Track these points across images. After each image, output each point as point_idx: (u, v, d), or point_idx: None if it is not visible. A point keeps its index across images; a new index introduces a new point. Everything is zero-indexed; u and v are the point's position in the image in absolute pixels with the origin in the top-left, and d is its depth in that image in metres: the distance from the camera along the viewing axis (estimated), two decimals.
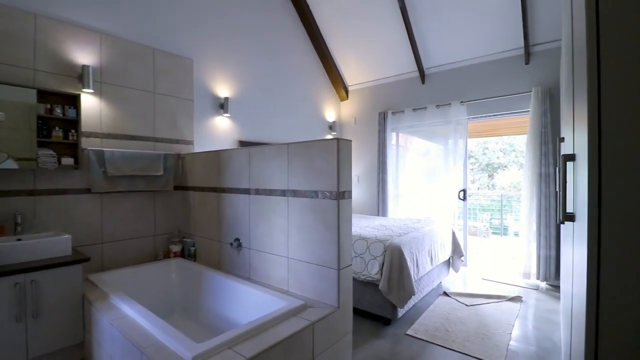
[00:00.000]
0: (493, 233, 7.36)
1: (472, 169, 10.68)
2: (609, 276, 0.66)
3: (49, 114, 2.35)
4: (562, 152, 1.57)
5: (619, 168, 0.65)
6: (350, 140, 1.96)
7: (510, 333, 2.66)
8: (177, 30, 3.24)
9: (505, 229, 7.31)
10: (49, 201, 2.39)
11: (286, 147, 2.13)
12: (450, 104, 4.52)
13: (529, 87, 3.94)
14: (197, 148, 3.34)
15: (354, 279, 2.81)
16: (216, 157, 2.68)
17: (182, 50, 3.26)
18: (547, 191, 3.78)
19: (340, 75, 5.52)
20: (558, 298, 3.43)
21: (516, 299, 3.38)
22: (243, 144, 3.93)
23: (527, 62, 4.03)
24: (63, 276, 2.04)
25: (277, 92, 4.48)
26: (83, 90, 2.52)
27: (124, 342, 1.61)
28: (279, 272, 2.22)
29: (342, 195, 1.88)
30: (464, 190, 4.55)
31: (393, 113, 5.08)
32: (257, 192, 2.34)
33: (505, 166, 10.73)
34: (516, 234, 6.39)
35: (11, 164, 2.15)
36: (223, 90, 3.73)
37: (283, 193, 2.16)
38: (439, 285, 3.79)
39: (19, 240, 2.11)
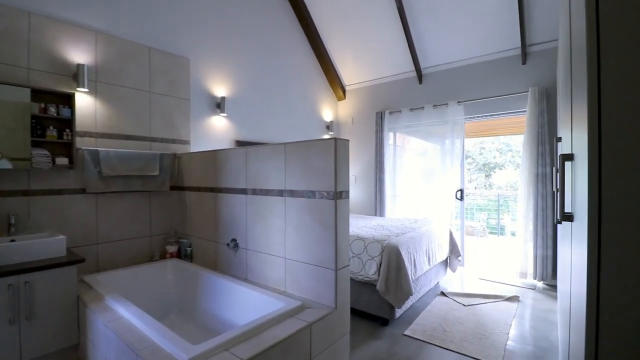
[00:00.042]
0: (490, 233, 7.38)
1: (469, 169, 10.70)
2: (609, 276, 0.65)
3: (43, 113, 2.33)
4: (560, 152, 1.57)
5: (620, 168, 0.64)
6: (348, 140, 1.95)
7: (508, 333, 2.66)
8: (173, 29, 3.22)
9: (502, 228, 7.33)
10: (43, 201, 2.36)
11: (283, 146, 2.11)
12: (447, 104, 4.52)
13: (526, 87, 3.95)
14: (194, 148, 3.32)
15: (351, 279, 2.80)
16: (213, 157, 2.66)
17: (179, 49, 3.24)
18: (544, 191, 3.79)
19: (337, 75, 5.51)
20: (555, 297, 3.43)
21: (513, 298, 3.39)
22: (240, 143, 3.91)
23: (524, 62, 4.03)
24: (57, 277, 2.02)
25: (274, 91, 4.46)
26: (78, 89, 2.50)
27: (119, 344, 1.59)
28: (276, 272, 2.20)
29: (339, 195, 1.87)
30: (461, 190, 4.56)
31: (390, 113, 5.08)
32: (254, 192, 2.32)
33: (501, 166, 10.77)
34: (513, 234, 6.42)
35: (5, 164, 2.13)
36: (220, 89, 3.71)
37: (280, 193, 2.15)
38: (437, 285, 3.78)
39: (13, 241, 2.08)
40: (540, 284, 3.85)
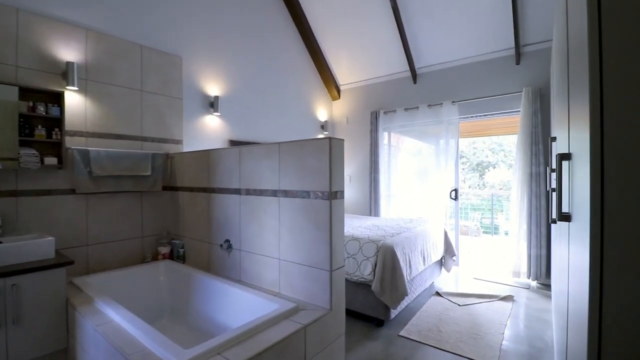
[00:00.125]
0: (484, 232, 7.42)
1: (463, 169, 10.76)
2: (612, 276, 0.64)
3: (32, 112, 2.27)
4: (557, 151, 1.56)
5: (622, 167, 0.63)
6: (343, 140, 1.92)
7: (503, 333, 2.66)
8: (166, 27, 3.18)
9: (496, 228, 7.37)
10: (31, 202, 2.31)
11: (277, 146, 2.09)
12: (441, 103, 4.53)
13: (520, 88, 3.97)
14: (187, 147, 3.27)
15: (346, 280, 2.78)
16: (206, 157, 2.62)
17: (171, 47, 3.19)
18: (538, 191, 3.80)
19: (332, 75, 5.49)
20: (549, 297, 3.45)
21: (508, 298, 3.39)
22: (234, 143, 3.87)
23: (517, 63, 4.05)
24: (46, 280, 1.97)
25: (268, 91, 4.43)
26: (67, 87, 2.44)
27: (108, 348, 1.55)
28: (270, 274, 2.17)
29: (334, 195, 1.85)
30: (456, 190, 4.56)
31: (385, 113, 5.07)
32: (248, 192, 2.29)
33: (494, 165, 10.84)
34: (506, 233, 6.45)
35: None
36: (213, 88, 3.67)
37: (274, 193, 2.12)
38: (432, 285, 3.78)
39: (0, 242, 2.03)
40: (534, 283, 3.87)
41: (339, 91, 5.67)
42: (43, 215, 2.35)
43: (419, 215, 4.75)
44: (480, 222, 7.52)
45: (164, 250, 2.87)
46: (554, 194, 1.92)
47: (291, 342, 1.59)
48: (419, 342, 2.52)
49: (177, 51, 3.24)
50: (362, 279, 2.73)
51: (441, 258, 3.88)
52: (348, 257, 2.84)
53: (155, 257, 2.89)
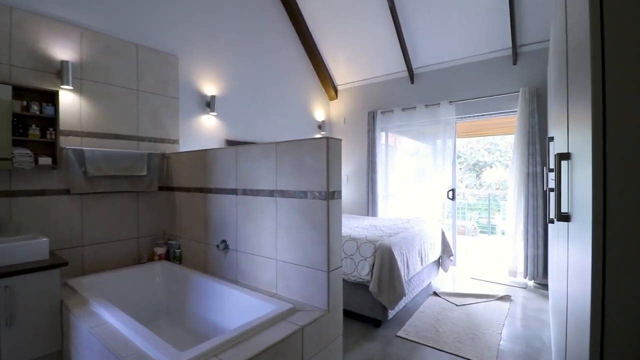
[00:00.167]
0: (481, 232, 7.43)
1: (460, 168, 10.79)
2: (614, 276, 0.63)
3: (26, 112, 2.24)
4: (555, 151, 1.56)
5: (622, 167, 0.62)
6: (340, 139, 1.91)
7: (501, 333, 2.66)
8: (162, 26, 3.15)
9: (493, 228, 7.38)
10: (25, 203, 2.28)
11: (274, 146, 2.07)
12: (439, 103, 4.53)
13: (517, 88, 3.97)
14: (183, 147, 3.25)
15: (343, 280, 2.76)
16: (202, 157, 2.60)
17: (167, 46, 3.17)
18: (535, 190, 3.81)
19: (329, 75, 5.48)
20: (546, 296, 3.45)
21: (505, 298, 3.40)
22: (230, 143, 3.85)
23: (514, 63, 4.06)
24: (40, 281, 1.94)
25: (265, 91, 4.41)
26: (62, 86, 2.42)
27: (102, 350, 1.53)
28: (267, 274, 2.16)
29: (331, 195, 1.84)
30: (453, 190, 4.56)
31: (382, 113, 5.07)
32: (245, 192, 2.28)
33: (490, 165, 10.88)
34: (503, 233, 6.47)
35: None
36: (210, 88, 3.65)
37: (271, 193, 2.11)
38: (429, 285, 3.78)
39: None
40: (531, 283, 3.88)
41: (336, 91, 5.66)
42: (37, 216, 2.33)
43: (417, 215, 4.75)
44: (477, 222, 7.53)
45: (160, 250, 2.84)
46: (552, 194, 1.92)
47: (288, 344, 1.58)
48: (417, 342, 2.52)
49: (173, 50, 3.22)
50: (360, 280, 2.72)
51: (439, 258, 3.87)
52: (345, 258, 2.83)
53: (151, 258, 2.87)
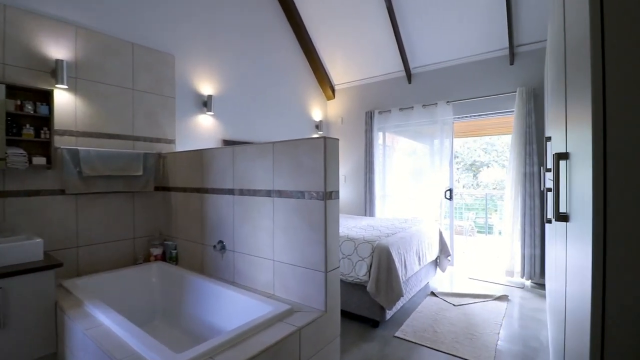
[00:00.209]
0: (478, 232, 7.44)
1: (457, 168, 10.81)
2: (614, 277, 0.63)
3: (19, 111, 2.22)
4: (553, 151, 1.56)
5: (622, 167, 0.62)
6: (338, 139, 1.90)
7: (498, 333, 2.66)
8: (158, 25, 3.13)
9: (490, 227, 7.40)
10: (19, 203, 2.25)
11: (271, 145, 2.06)
12: (436, 103, 4.53)
13: (514, 88, 3.98)
14: (179, 147, 3.23)
15: (341, 280, 2.75)
16: (199, 157, 2.59)
17: (164, 45, 3.15)
18: (532, 190, 3.81)
19: (326, 74, 5.47)
20: (543, 296, 3.46)
21: (503, 297, 3.40)
22: (227, 143, 3.83)
23: (511, 63, 4.06)
24: (34, 283, 1.92)
25: (262, 90, 4.39)
26: (56, 85, 2.39)
27: (97, 352, 1.51)
28: (264, 275, 2.14)
29: (329, 195, 1.83)
30: (450, 190, 4.57)
31: (380, 112, 5.06)
32: (242, 192, 2.26)
33: (487, 165, 10.91)
34: (500, 233, 6.48)
35: None
36: (206, 87, 3.63)
37: (268, 193, 2.09)
38: (427, 285, 3.77)
39: None
40: (528, 283, 3.88)
41: (333, 91, 5.65)
42: (31, 217, 2.30)
43: (414, 215, 4.74)
44: (475, 222, 7.54)
45: (156, 251, 2.82)
46: (550, 193, 1.92)
47: (285, 345, 1.57)
48: (415, 342, 2.51)
49: (170, 49, 3.20)
50: (358, 280, 2.71)
51: (436, 258, 3.87)
52: (343, 258, 2.82)
53: (147, 259, 2.84)
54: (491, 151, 10.83)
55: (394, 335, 2.61)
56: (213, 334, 2.06)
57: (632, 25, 0.62)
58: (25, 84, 2.26)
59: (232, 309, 2.07)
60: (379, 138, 5.15)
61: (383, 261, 2.65)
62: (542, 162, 3.69)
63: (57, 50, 2.43)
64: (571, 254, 1.05)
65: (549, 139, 2.02)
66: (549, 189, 1.94)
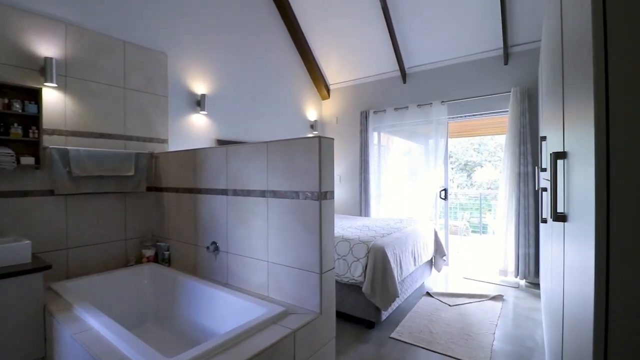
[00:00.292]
0: (472, 232, 7.47)
1: (452, 168, 10.85)
2: (617, 277, 0.62)
3: (7, 110, 2.17)
4: (549, 151, 1.55)
5: (622, 167, 0.60)
6: (333, 139, 1.88)
7: (494, 333, 2.65)
8: (150, 23, 3.08)
9: (484, 227, 7.43)
10: (6, 204, 2.19)
11: (265, 145, 2.03)
12: (431, 103, 4.53)
13: (508, 88, 3.99)
14: (172, 147, 3.19)
15: (336, 281, 2.73)
16: (192, 157, 2.55)
17: (156, 44, 3.10)
18: (526, 190, 3.82)
19: (321, 74, 5.45)
20: (538, 296, 3.46)
21: (498, 297, 3.40)
22: (221, 143, 3.79)
23: (506, 63, 4.07)
24: (21, 285, 1.87)
25: (256, 89, 4.36)
26: (45, 84, 2.34)
27: (86, 357, 1.47)
28: (258, 276, 2.11)
29: (324, 195, 1.80)
30: (445, 190, 4.57)
31: (375, 112, 5.05)
32: (235, 192, 2.23)
33: (480, 164, 10.97)
34: (494, 233, 6.51)
35: None
36: (200, 86, 3.59)
37: (262, 194, 2.06)
38: (422, 285, 3.77)
39: None
40: (522, 282, 3.89)
41: (328, 91, 5.63)
42: (19, 218, 2.24)
43: (409, 215, 4.74)
44: (469, 222, 7.57)
45: (149, 253, 2.78)
46: (545, 193, 1.92)
47: (280, 348, 1.54)
48: (410, 343, 2.50)
49: (162, 47, 3.15)
50: (353, 281, 2.69)
51: (431, 258, 3.87)
52: (338, 259, 2.80)
53: (139, 261, 2.80)
54: (483, 151, 10.89)
55: (390, 337, 2.60)
56: (206, 336, 2.03)
57: (632, 25, 0.61)
58: (13, 82, 2.21)
59: (225, 311, 2.04)
60: (374, 138, 5.14)
61: (378, 262, 2.63)
62: (536, 161, 3.70)
63: (46, 47, 2.38)
64: (569, 254, 1.03)
65: (544, 138, 2.02)
66: (544, 189, 1.93)
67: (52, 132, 2.39)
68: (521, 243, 3.84)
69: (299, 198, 1.87)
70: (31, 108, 2.25)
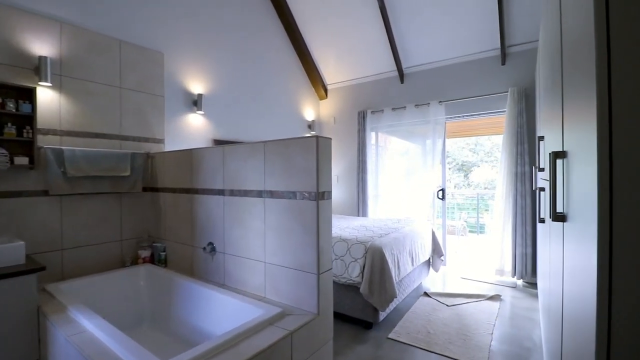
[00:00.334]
0: (470, 231, 7.48)
1: (449, 168, 10.87)
2: (620, 278, 0.62)
3: (1, 109, 2.14)
4: (548, 150, 1.54)
5: (629, 166, 0.59)
6: (330, 138, 1.86)
7: (492, 333, 2.65)
8: (146, 22, 3.06)
9: (482, 227, 7.44)
10: (0, 204, 2.17)
11: (262, 145, 2.01)
12: (429, 103, 4.52)
13: (505, 88, 3.99)
14: (169, 147, 3.16)
15: (334, 282, 2.72)
16: (188, 157, 2.53)
17: (152, 43, 3.08)
18: (523, 190, 3.83)
19: (319, 74, 5.44)
20: (535, 295, 3.47)
21: (495, 297, 3.40)
22: (218, 143, 3.77)
23: (503, 63, 4.07)
24: (15, 287, 1.84)
25: (254, 89, 4.34)
26: (40, 83, 2.31)
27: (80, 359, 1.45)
28: (255, 277, 2.10)
29: (321, 195, 1.79)
30: (443, 190, 4.57)
31: (372, 112, 5.04)
32: (232, 193, 2.21)
33: (476, 164, 11.00)
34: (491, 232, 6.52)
35: None
36: (197, 86, 3.57)
37: (259, 194, 2.05)
38: (420, 285, 3.76)
39: None
40: (520, 282, 3.89)
41: (326, 91, 5.62)
42: (13, 218, 2.22)
43: (407, 215, 4.73)
44: (466, 222, 7.58)
45: (145, 254, 2.75)
46: (542, 193, 1.91)
47: (277, 350, 1.53)
48: (408, 344, 2.49)
49: (159, 47, 3.13)
50: (350, 281, 2.68)
51: (429, 258, 3.86)
52: (336, 259, 2.78)
53: (135, 261, 2.77)
54: (479, 151, 10.91)
55: (388, 337, 2.59)
56: (203, 338, 2.01)
57: (633, 24, 0.61)
58: (7, 81, 2.18)
59: (222, 312, 2.02)
60: (371, 138, 5.13)
61: (376, 262, 2.62)
62: (533, 161, 3.71)
63: (41, 46, 2.35)
64: (569, 254, 1.02)
65: (541, 138, 2.02)
66: (542, 189, 1.93)
67: (47, 131, 2.36)
68: (518, 243, 3.84)
69: (296, 198, 1.85)
70: (25, 107, 2.22)
